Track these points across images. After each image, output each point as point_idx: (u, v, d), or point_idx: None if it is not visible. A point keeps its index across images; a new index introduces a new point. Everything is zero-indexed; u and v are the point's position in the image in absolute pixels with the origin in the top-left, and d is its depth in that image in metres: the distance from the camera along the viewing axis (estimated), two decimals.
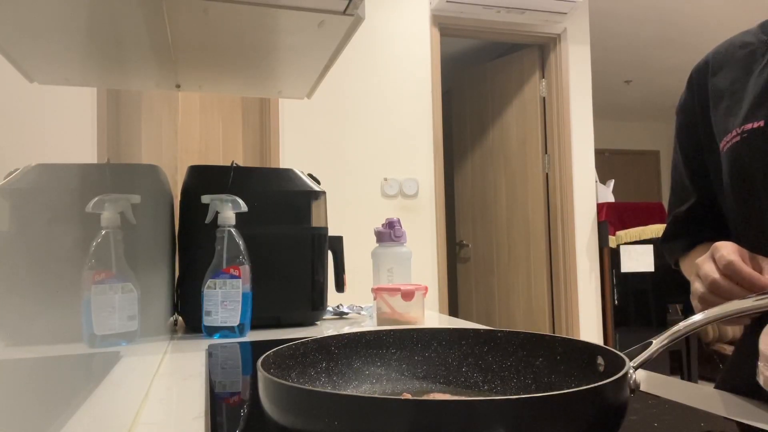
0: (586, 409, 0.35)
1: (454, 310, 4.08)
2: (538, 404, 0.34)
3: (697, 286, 0.62)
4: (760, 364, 0.51)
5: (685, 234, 0.82)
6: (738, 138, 0.67)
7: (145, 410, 0.57)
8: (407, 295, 1.07)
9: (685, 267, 0.82)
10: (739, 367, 0.71)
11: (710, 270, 0.59)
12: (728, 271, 0.57)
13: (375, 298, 1.10)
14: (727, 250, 0.59)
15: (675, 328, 0.46)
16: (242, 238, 1.00)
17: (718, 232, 0.76)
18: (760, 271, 0.58)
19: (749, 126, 0.66)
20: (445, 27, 3.34)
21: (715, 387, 0.71)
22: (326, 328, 1.12)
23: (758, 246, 0.64)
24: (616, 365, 0.42)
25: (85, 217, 0.82)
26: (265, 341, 0.94)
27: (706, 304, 0.60)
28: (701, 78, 0.78)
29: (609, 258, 3.53)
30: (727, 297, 0.57)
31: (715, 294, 0.58)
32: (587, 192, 3.57)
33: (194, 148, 2.94)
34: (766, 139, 0.65)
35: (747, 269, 0.56)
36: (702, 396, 0.59)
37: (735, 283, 0.57)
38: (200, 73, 1.11)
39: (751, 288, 0.56)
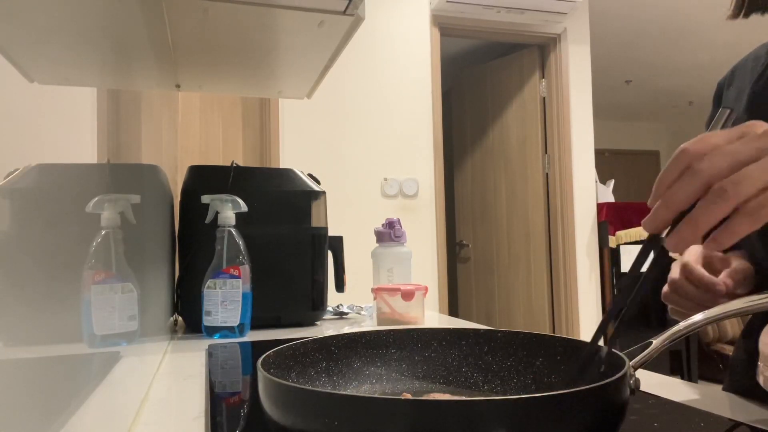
0: (586, 409, 0.35)
1: (454, 310, 4.08)
2: (538, 404, 0.34)
3: (665, 286, 0.68)
4: (761, 364, 0.51)
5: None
6: None
7: (145, 410, 0.57)
8: (407, 295, 1.07)
9: None
10: (740, 367, 0.71)
11: (675, 271, 0.66)
12: (685, 272, 0.64)
13: (375, 298, 1.10)
14: (690, 253, 0.65)
15: (675, 328, 0.46)
16: (242, 238, 1.00)
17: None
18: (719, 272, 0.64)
19: None
20: (445, 27, 3.34)
21: (723, 389, 0.72)
22: (326, 328, 1.12)
23: (750, 256, 0.68)
24: (616, 365, 0.42)
25: (85, 217, 0.82)
26: (265, 341, 0.94)
27: (668, 301, 0.66)
28: (720, 91, 0.80)
29: (609, 258, 3.52)
30: (684, 296, 0.63)
31: (676, 293, 0.65)
32: (587, 192, 3.57)
33: (194, 148, 2.94)
34: None
35: (698, 270, 0.62)
36: (702, 396, 0.59)
37: (691, 283, 0.63)
38: (200, 73, 1.11)
39: (706, 288, 0.61)
